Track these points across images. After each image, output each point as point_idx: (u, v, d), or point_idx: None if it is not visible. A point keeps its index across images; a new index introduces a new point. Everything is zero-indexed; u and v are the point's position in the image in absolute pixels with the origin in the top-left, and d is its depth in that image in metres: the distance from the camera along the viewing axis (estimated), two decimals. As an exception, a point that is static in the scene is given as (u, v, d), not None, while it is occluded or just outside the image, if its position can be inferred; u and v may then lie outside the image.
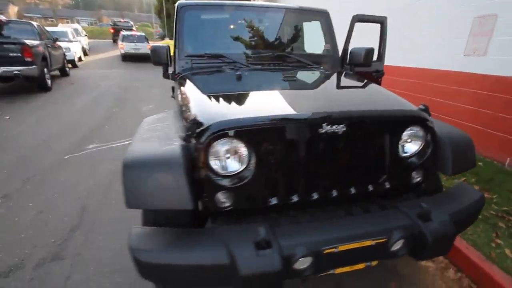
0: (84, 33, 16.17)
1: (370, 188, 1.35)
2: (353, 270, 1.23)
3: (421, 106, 1.46)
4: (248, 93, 1.58)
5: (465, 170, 1.49)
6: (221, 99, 1.46)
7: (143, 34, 15.35)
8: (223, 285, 1.05)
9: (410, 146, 1.41)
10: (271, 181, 1.21)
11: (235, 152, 1.17)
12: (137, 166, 1.11)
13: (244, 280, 0.99)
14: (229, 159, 1.17)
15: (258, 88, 1.68)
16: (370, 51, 2.41)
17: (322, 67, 2.34)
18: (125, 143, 4.00)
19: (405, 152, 1.40)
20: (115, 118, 5.22)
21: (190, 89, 1.67)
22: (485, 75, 3.10)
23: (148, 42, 13.80)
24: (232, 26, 2.43)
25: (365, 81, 1.91)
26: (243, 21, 2.40)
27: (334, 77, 2.06)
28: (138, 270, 1.07)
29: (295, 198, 1.25)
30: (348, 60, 2.47)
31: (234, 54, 2.28)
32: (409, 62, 4.24)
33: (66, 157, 3.51)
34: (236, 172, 1.18)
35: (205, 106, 1.36)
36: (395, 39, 3.91)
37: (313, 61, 2.38)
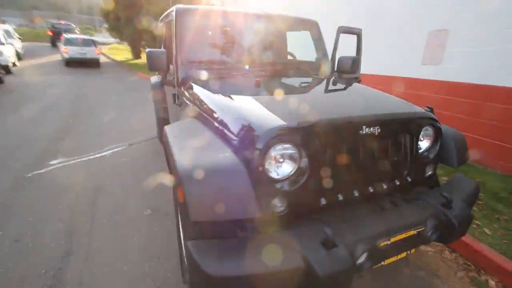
0: (17, 35, 14.23)
1: (397, 182, 1.49)
2: (396, 259, 1.34)
3: (427, 109, 1.66)
4: (279, 98, 1.61)
5: (464, 163, 1.73)
6: (259, 104, 1.43)
7: (91, 37, 14.12)
8: (299, 289, 1.05)
9: (423, 143, 1.59)
10: (321, 182, 1.25)
11: (289, 156, 1.19)
12: (199, 178, 1.05)
13: (322, 280, 1.00)
14: (284, 163, 1.19)
15: (282, 93, 1.71)
16: (356, 60, 2.63)
17: (317, 74, 2.48)
18: (97, 156, 3.65)
19: (420, 149, 1.57)
20: (74, 129, 4.70)
21: (214, 95, 1.62)
22: (441, 81, 3.60)
23: (96, 47, 12.73)
24: (229, 33, 2.42)
25: (367, 87, 2.08)
26: (239, 28, 2.42)
27: (342, 83, 2.16)
28: (208, 286, 1.01)
29: (340, 197, 1.32)
30: (336, 67, 2.66)
31: (234, 60, 2.29)
32: (373, 70, 4.69)
33: (29, 175, 3.05)
34: (290, 176, 1.19)
35: (247, 112, 1.33)
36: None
37: (309, 68, 2.51)
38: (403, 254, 1.33)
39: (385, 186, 1.44)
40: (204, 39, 2.32)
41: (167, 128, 1.56)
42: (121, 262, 1.88)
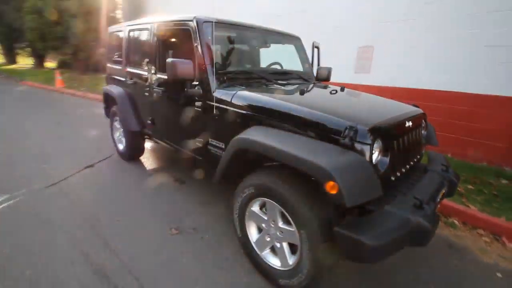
0: None
1: (418, 158, 2.05)
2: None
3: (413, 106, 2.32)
4: (335, 103, 1.93)
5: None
6: (333, 109, 1.70)
7: None
8: (416, 242, 1.41)
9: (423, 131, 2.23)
10: (394, 164, 1.65)
11: (380, 147, 1.54)
12: (346, 172, 1.28)
13: (431, 231, 1.40)
14: (377, 153, 1.53)
15: (332, 99, 2.03)
16: (330, 70, 3.20)
17: (314, 81, 2.92)
18: (49, 186, 3.02)
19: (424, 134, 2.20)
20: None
21: (283, 103, 1.78)
22: (370, 85, 4.65)
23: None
24: (243, 45, 2.56)
25: (360, 92, 2.63)
26: (251, 41, 2.59)
27: (350, 90, 2.61)
28: (369, 255, 1.26)
29: (398, 174, 1.75)
30: (316, 76, 3.16)
31: (256, 70, 2.47)
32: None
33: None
34: (381, 162, 1.55)
35: (336, 115, 1.59)
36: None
37: (307, 76, 2.91)
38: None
39: (414, 162, 1.97)
40: (223, 50, 2.38)
41: (248, 137, 1.65)
42: None
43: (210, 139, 2.25)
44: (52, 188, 2.96)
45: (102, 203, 2.71)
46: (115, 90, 3.47)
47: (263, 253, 1.83)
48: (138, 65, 3.19)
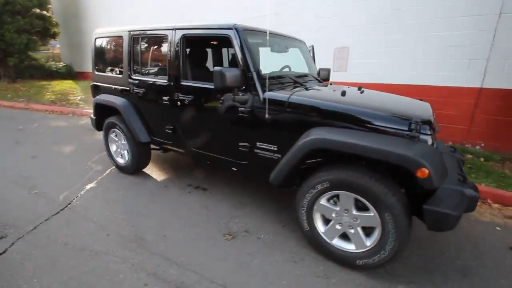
0: None
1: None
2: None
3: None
4: (379, 102, 2.20)
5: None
6: (386, 107, 1.97)
7: None
8: (469, 209, 1.75)
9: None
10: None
11: (432, 136, 1.86)
12: (431, 160, 1.55)
13: (478, 200, 1.77)
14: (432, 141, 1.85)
15: (371, 99, 2.29)
16: (329, 70, 3.53)
17: (327, 82, 3.19)
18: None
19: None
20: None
21: (341, 104, 1.97)
22: (347, 82, 5.15)
23: None
24: (272, 50, 2.67)
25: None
26: (276, 46, 2.72)
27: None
28: (451, 224, 1.56)
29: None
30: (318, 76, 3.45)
31: (288, 74, 2.62)
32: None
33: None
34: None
35: (398, 113, 1.85)
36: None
37: (316, 78, 3.16)
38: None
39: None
40: (258, 56, 2.46)
41: (326, 137, 1.81)
42: None
43: (258, 143, 2.33)
44: (65, 213, 2.66)
45: (133, 220, 2.56)
46: (116, 100, 3.23)
47: (333, 241, 2.02)
48: (150, 73, 3.05)
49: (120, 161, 3.58)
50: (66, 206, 2.78)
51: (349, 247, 1.97)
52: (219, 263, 2.05)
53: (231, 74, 2.13)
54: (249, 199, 2.96)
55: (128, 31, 3.04)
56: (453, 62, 4.06)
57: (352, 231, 1.93)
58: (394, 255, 1.79)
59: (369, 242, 1.87)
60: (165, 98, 2.80)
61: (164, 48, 2.77)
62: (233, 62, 3.63)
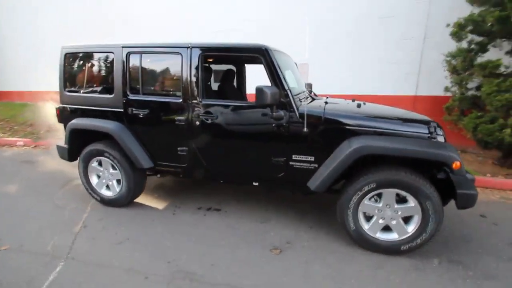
0: None
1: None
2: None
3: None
4: (393, 112, 2.61)
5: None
6: (404, 116, 2.40)
7: None
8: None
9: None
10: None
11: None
12: (456, 154, 2.00)
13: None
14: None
15: (383, 109, 2.70)
16: (311, 85, 3.95)
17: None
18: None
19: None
20: None
21: (370, 116, 2.30)
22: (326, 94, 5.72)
23: None
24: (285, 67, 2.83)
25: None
26: (285, 63, 2.87)
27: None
28: (474, 202, 2.03)
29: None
30: (304, 90, 3.80)
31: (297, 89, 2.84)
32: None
33: None
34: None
35: (418, 120, 2.28)
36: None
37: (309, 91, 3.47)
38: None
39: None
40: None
41: (372, 144, 2.10)
42: None
43: (294, 156, 2.45)
44: (70, 265, 2.18)
45: (163, 256, 2.29)
46: (106, 124, 2.83)
47: (377, 235, 2.30)
48: (156, 93, 2.81)
49: (107, 193, 3.10)
50: (66, 257, 2.28)
51: (392, 236, 2.28)
52: (287, 278, 2.06)
53: (273, 92, 2.22)
54: (268, 212, 3.01)
55: (122, 47, 2.74)
56: (395, 76, 5.04)
57: (394, 222, 2.25)
58: (433, 236, 2.18)
59: (410, 229, 2.22)
60: (179, 118, 2.63)
61: (175, 66, 2.61)
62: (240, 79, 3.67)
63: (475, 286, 1.98)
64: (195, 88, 2.56)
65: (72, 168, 4.14)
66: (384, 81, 5.10)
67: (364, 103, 2.82)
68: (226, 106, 2.53)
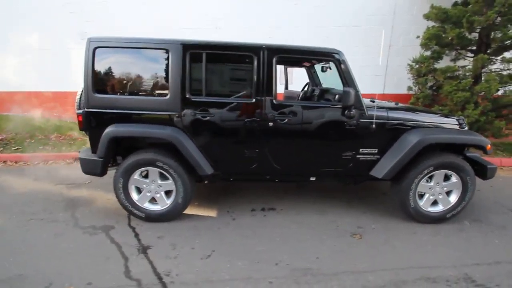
0: None
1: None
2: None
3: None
4: (425, 110, 3.15)
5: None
6: (437, 112, 2.98)
7: None
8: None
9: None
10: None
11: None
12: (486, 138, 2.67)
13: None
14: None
15: (415, 109, 3.23)
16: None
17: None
18: None
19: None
20: None
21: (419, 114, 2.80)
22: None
23: None
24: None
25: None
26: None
27: None
28: (495, 173, 2.75)
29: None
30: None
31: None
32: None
33: None
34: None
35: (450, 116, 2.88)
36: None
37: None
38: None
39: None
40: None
41: (431, 136, 2.59)
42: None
43: (361, 149, 2.75)
44: (181, 288, 1.95)
45: (268, 259, 2.28)
46: (162, 129, 2.53)
47: (429, 209, 2.83)
48: (222, 94, 2.67)
49: (153, 207, 2.77)
50: (162, 282, 2.01)
51: (439, 208, 2.84)
52: (383, 256, 2.36)
53: (355, 93, 2.47)
54: (317, 205, 3.23)
55: (181, 44, 2.49)
56: (367, 77, 5.87)
57: (441, 196, 2.81)
58: (469, 202, 2.82)
59: (452, 199, 2.82)
60: (251, 119, 2.59)
61: (246, 66, 2.55)
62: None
63: (495, 234, 2.70)
64: (269, 89, 2.57)
65: (52, 186, 3.49)
66: (359, 81, 5.88)
67: (397, 103, 3.34)
68: (302, 106, 2.64)
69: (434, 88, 5.07)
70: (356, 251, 2.43)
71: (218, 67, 2.68)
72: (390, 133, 2.74)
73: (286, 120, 2.63)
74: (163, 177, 2.70)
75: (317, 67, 3.41)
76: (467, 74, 4.79)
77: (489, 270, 2.20)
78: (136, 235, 2.59)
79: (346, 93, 2.42)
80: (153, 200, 2.77)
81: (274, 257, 2.31)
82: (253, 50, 2.53)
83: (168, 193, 2.76)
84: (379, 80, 5.55)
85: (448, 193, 2.84)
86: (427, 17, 4.94)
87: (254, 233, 2.66)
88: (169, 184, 2.70)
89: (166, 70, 2.53)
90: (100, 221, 2.81)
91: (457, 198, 2.81)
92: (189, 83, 2.55)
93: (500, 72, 4.53)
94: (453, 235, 2.68)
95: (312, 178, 2.92)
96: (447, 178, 2.77)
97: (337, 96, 2.77)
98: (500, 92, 4.37)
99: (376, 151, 2.78)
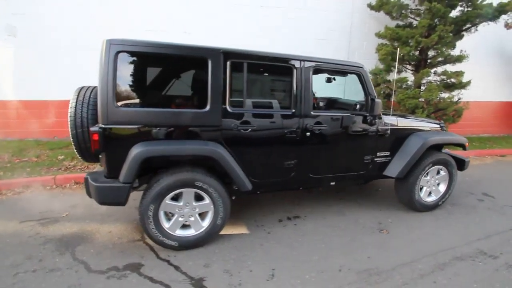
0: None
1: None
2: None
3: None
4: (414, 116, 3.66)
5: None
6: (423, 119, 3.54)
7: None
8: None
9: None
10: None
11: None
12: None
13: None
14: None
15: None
16: None
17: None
18: None
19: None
20: None
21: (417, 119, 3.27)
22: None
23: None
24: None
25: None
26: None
27: None
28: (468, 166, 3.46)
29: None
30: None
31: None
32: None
33: None
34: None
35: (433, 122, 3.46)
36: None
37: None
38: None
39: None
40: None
41: (431, 138, 3.06)
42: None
43: (378, 153, 3.05)
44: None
45: (328, 268, 2.31)
46: (204, 146, 2.28)
47: (427, 199, 3.33)
48: (262, 105, 2.57)
49: (187, 233, 2.45)
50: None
51: (433, 198, 3.37)
52: (417, 244, 2.67)
53: (381, 104, 2.75)
54: (333, 207, 3.40)
55: (222, 52, 2.30)
56: (331, 85, 6.46)
57: (434, 188, 3.35)
58: (452, 191, 3.44)
59: (441, 189, 3.39)
60: (290, 130, 2.59)
61: (285, 77, 2.52)
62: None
63: (473, 214, 3.39)
64: (307, 100, 2.61)
65: (17, 225, 2.84)
66: (325, 89, 6.42)
67: None
68: (334, 116, 2.77)
69: (385, 96, 5.95)
70: (391, 244, 2.68)
71: (258, 78, 2.58)
72: (399, 138, 3.14)
73: (321, 129, 2.72)
74: (197, 198, 2.43)
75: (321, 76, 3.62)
76: (410, 84, 5.81)
77: (489, 243, 2.76)
78: (177, 268, 2.25)
79: (376, 103, 2.68)
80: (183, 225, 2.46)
81: (333, 264, 2.36)
82: (293, 61, 2.54)
83: (201, 215, 2.49)
84: (340, 88, 6.18)
85: (438, 184, 3.41)
86: (380, 35, 5.78)
87: (297, 243, 2.64)
88: (206, 205, 2.44)
89: (204, 80, 2.30)
90: (119, 259, 2.32)
91: (445, 188, 3.40)
92: (229, 94, 2.37)
93: (435, 82, 5.66)
94: (447, 219, 3.23)
95: (332, 183, 3.08)
96: (438, 172, 3.33)
97: (358, 106, 3.02)
98: (438, 98, 5.45)
99: (388, 154, 3.14)
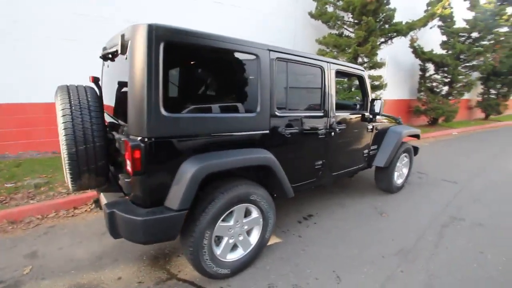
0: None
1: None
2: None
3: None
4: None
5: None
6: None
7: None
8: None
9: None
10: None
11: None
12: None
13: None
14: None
15: None
16: None
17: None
18: None
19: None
20: None
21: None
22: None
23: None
24: None
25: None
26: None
27: None
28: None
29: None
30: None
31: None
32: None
33: None
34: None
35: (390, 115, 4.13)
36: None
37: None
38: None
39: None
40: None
41: (404, 131, 3.66)
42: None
43: (371, 147, 3.43)
44: None
45: (365, 262, 2.46)
46: (259, 153, 2.03)
47: (398, 182, 3.96)
48: (300, 108, 2.46)
49: (236, 256, 2.15)
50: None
51: (401, 180, 4.04)
52: (415, 219, 3.16)
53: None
54: (333, 200, 3.62)
55: (268, 49, 2.09)
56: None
57: (401, 172, 4.02)
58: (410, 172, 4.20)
59: (405, 172, 4.10)
60: (321, 131, 2.61)
61: (316, 78, 2.51)
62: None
63: (426, 189, 4.28)
64: (332, 101, 2.68)
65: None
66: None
67: None
68: (348, 116, 2.94)
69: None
70: (397, 224, 3.09)
71: (295, 78, 2.43)
72: (381, 132, 3.61)
73: (341, 128, 2.85)
74: (247, 212, 2.15)
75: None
76: (345, 85, 6.72)
77: (453, 209, 3.54)
78: (241, 297, 1.94)
79: (379, 103, 3.00)
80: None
81: (373, 253, 2.54)
82: (321, 62, 2.55)
83: (248, 231, 2.22)
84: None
85: (402, 169, 4.11)
86: (320, 42, 6.41)
87: (330, 241, 2.70)
88: (255, 219, 2.19)
89: (254, 80, 2.04)
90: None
91: (407, 171, 4.14)
92: (276, 96, 2.19)
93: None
94: (413, 195, 3.95)
95: (351, 176, 3.30)
96: (403, 159, 4.02)
97: (358, 105, 3.29)
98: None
99: (376, 147, 3.57)
